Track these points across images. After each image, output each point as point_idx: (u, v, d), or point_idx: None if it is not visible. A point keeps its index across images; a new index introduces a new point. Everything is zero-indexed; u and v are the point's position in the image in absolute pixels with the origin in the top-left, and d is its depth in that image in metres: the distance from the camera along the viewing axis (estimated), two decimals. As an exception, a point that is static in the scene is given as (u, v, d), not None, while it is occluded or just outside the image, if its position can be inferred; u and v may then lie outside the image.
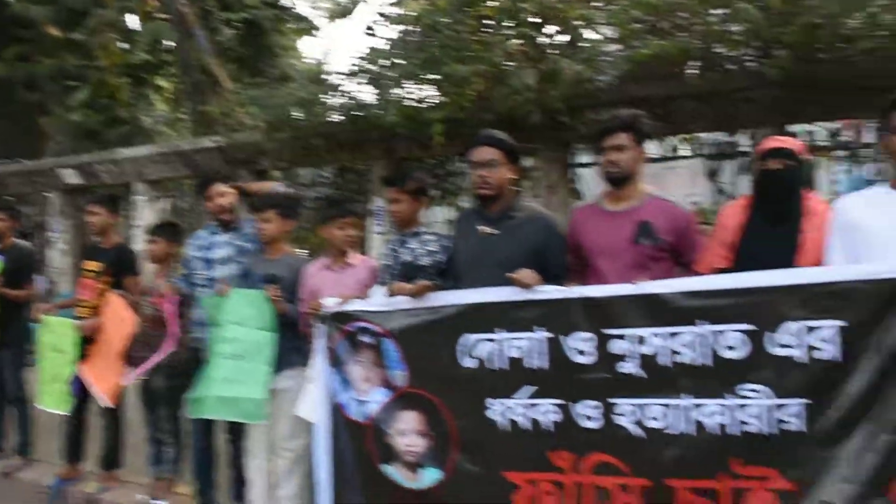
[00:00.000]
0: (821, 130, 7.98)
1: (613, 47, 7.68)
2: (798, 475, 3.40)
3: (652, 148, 8.09)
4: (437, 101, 7.24)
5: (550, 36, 7.79)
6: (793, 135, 7.01)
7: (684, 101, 7.03)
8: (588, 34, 7.86)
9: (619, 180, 4.03)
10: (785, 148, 3.79)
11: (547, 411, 3.83)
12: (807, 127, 7.82)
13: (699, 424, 3.55)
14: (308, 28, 18.58)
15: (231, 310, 4.98)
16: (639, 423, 3.66)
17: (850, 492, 3.31)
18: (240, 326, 4.94)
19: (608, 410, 3.71)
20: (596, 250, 4.05)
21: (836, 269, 3.51)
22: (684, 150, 8.47)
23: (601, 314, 3.73)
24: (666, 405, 3.61)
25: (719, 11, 6.97)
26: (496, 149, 4.18)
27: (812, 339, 3.38)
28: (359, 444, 4.27)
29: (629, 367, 3.68)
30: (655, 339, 3.63)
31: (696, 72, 7.30)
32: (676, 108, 7.07)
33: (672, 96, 7.05)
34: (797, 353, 3.40)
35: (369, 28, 8.09)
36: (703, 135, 8.38)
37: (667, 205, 4.04)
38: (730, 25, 6.91)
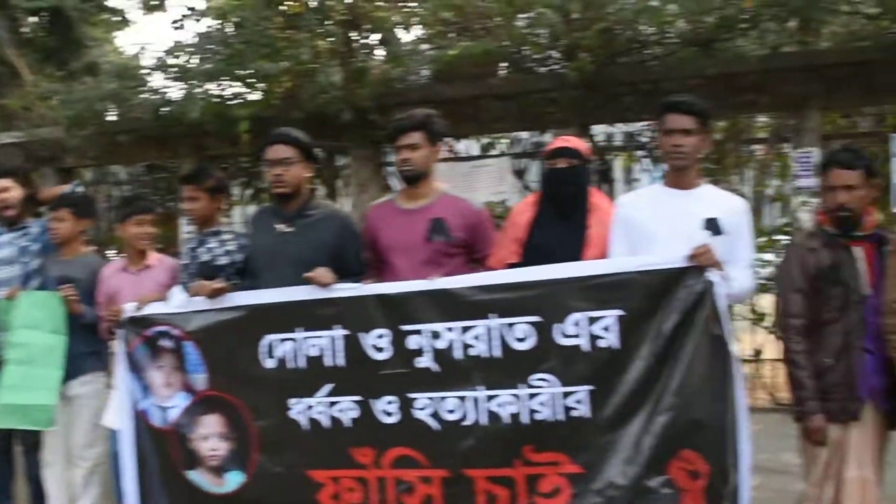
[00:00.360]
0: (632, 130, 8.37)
1: (424, 47, 7.83)
2: (586, 459, 3.56)
3: (462, 147, 8.32)
4: (245, 99, 7.17)
5: (365, 36, 7.85)
6: (591, 136, 7.36)
7: (491, 102, 7.23)
8: (402, 34, 7.98)
9: (413, 178, 4.10)
10: (570, 147, 3.95)
11: (347, 408, 3.84)
12: (620, 128, 8.20)
13: (493, 415, 3.66)
14: (121, 21, 17.87)
15: (21, 313, 4.75)
16: (436, 416, 3.72)
17: (633, 472, 3.50)
18: (30, 330, 4.72)
19: (406, 405, 3.76)
20: (391, 247, 4.10)
21: (614, 262, 3.69)
22: (502, 149, 8.72)
23: (397, 310, 3.78)
24: (461, 397, 3.69)
25: (526, 16, 7.21)
26: (291, 147, 4.16)
27: (595, 328, 3.55)
28: (163, 451, 4.16)
29: (425, 362, 3.74)
30: (449, 334, 3.70)
31: (504, 73, 7.53)
32: (484, 108, 7.26)
33: (479, 96, 7.23)
34: (581, 343, 3.56)
35: (176, 22, 7.91)
36: (513, 134, 8.65)
37: (459, 202, 4.14)
38: (536, 29, 7.16)
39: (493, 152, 8.37)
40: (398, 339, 3.77)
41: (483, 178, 7.29)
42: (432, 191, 4.16)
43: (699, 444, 3.43)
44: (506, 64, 7.70)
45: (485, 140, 8.75)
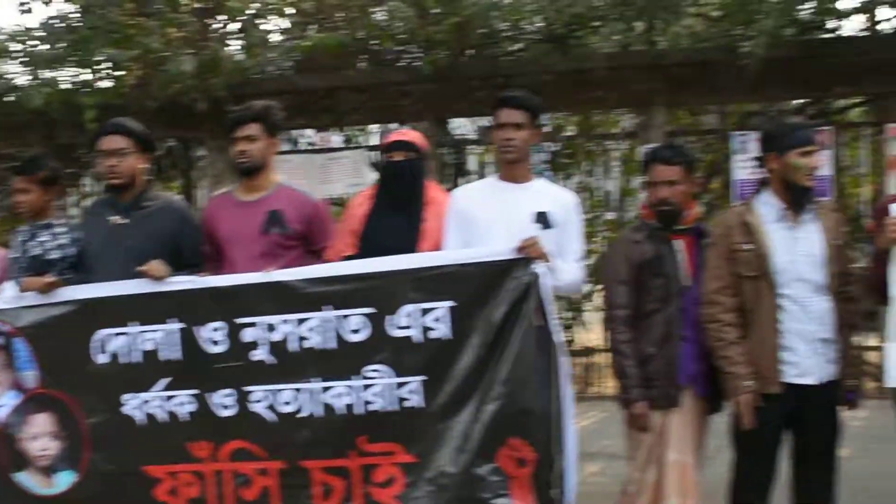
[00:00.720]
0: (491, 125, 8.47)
1: (282, 38, 7.78)
2: (420, 448, 3.62)
3: (316, 138, 8.31)
4: (95, 86, 6.98)
5: (224, 24, 7.74)
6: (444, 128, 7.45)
7: (348, 94, 7.23)
8: (264, 24, 7.90)
9: (250, 170, 4.08)
10: (406, 141, 4.00)
11: (183, 402, 3.81)
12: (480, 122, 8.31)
13: (328, 406, 3.68)
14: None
15: None
16: (272, 409, 3.73)
17: (464, 461, 3.57)
18: None
19: (243, 398, 3.75)
20: (228, 239, 4.07)
21: (446, 254, 3.76)
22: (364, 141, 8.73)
23: (232, 303, 3.77)
24: (297, 389, 3.71)
25: (383, 9, 7.24)
26: (125, 137, 4.08)
27: (427, 319, 3.61)
28: (-11, 453, 4.03)
29: (261, 355, 3.74)
30: (284, 326, 3.71)
31: (364, 65, 7.55)
32: (341, 99, 7.26)
33: (336, 88, 7.23)
34: (414, 334, 3.62)
35: (24, 4, 7.63)
36: (382, 126, 8.68)
37: (297, 194, 4.14)
38: (394, 22, 7.20)
39: (353, 144, 8.39)
40: (233, 332, 3.75)
41: (339, 171, 7.29)
42: (270, 183, 4.14)
43: (526, 432, 3.52)
44: (366, 56, 7.71)
45: (354, 132, 8.79)
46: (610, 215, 8.26)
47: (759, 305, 3.68)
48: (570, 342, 8.20)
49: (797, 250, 3.68)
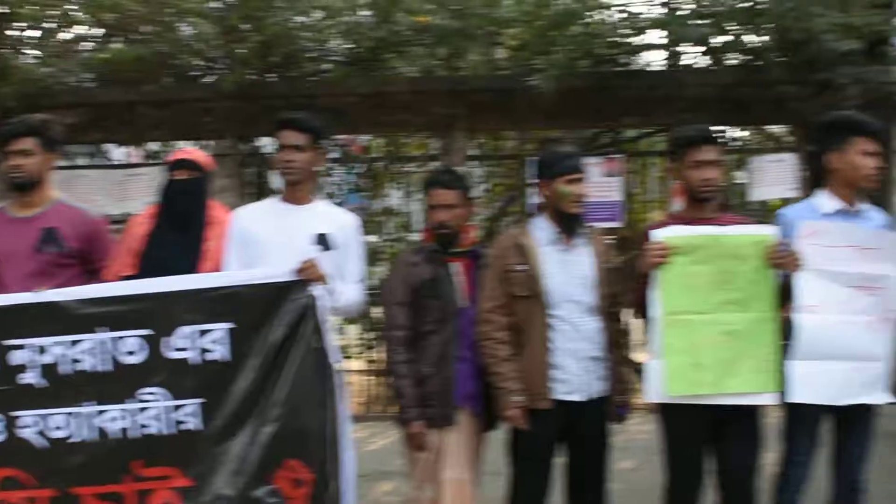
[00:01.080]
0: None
1: (82, 48, 7.52)
2: (197, 472, 3.60)
3: (117, 153, 8.07)
4: None
5: (20, 31, 7.42)
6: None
7: (148, 108, 7.06)
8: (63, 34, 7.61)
9: (24, 186, 3.96)
10: (189, 159, 3.98)
11: None
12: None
13: (102, 430, 3.61)
14: None
15: None
16: (42, 434, 3.62)
17: (241, 483, 3.58)
18: None
19: (10, 423, 3.62)
20: (-1, 258, 3.92)
21: (225, 275, 3.77)
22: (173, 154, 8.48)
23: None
24: (69, 413, 3.61)
25: (185, 23, 7.12)
26: None
27: (204, 341, 3.60)
28: None
29: (30, 378, 3.62)
30: (56, 348, 3.61)
31: (170, 79, 7.39)
32: (140, 114, 7.09)
33: (135, 102, 7.05)
34: (191, 356, 3.60)
35: None
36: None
37: (74, 211, 4.05)
38: (198, 38, 7.09)
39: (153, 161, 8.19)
40: (1, 354, 3.62)
41: (138, 187, 7.09)
42: (46, 199, 4.03)
43: (302, 453, 3.56)
44: (170, 70, 7.55)
45: (159, 148, 8.56)
46: (413, 237, 8.38)
47: (532, 325, 3.84)
48: (371, 362, 8.28)
49: (569, 272, 3.87)
